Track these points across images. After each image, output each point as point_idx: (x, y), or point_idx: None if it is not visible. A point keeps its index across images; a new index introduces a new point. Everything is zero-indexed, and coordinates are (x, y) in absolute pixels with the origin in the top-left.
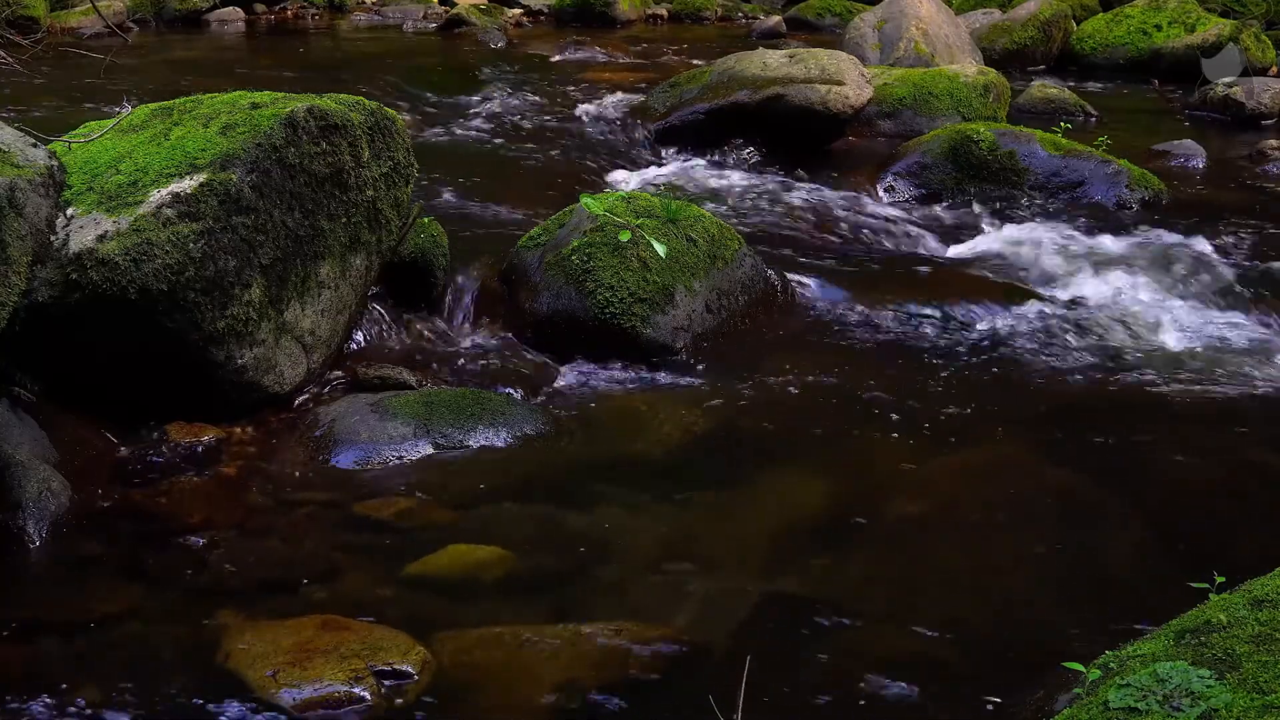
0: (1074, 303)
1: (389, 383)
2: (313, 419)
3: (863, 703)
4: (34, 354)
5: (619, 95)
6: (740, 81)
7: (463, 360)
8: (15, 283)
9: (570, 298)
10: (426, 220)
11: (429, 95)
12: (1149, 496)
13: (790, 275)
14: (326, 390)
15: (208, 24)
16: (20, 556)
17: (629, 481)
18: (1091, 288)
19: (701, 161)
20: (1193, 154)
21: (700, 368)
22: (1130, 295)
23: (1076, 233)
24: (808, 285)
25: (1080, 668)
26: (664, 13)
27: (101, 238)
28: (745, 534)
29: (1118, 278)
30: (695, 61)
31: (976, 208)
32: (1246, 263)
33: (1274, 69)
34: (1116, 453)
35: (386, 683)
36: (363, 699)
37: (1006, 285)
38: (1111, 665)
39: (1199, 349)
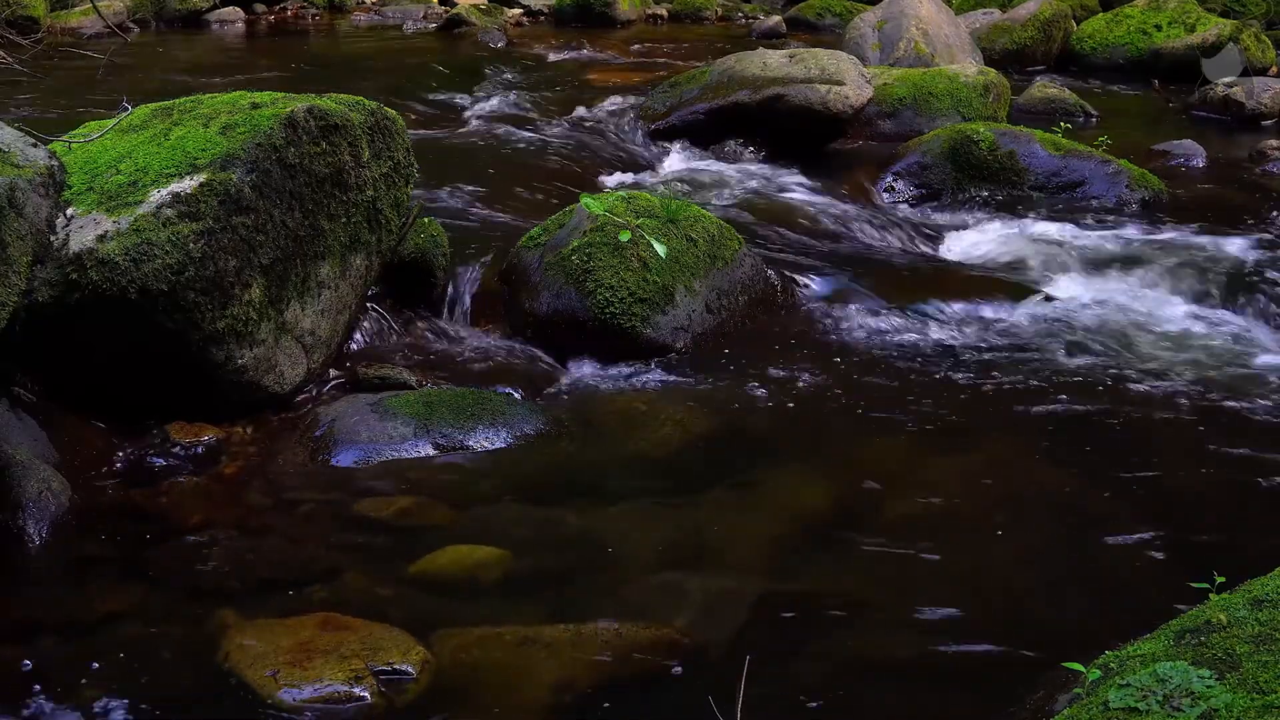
0: (1074, 302)
1: (389, 383)
2: (313, 419)
3: (863, 703)
4: (34, 354)
5: (619, 95)
6: (740, 81)
7: (463, 360)
8: (15, 283)
9: (570, 298)
10: (426, 220)
11: (429, 95)
12: (1149, 496)
13: (790, 275)
14: (326, 390)
15: (208, 24)
16: (20, 556)
17: (629, 481)
18: (1091, 288)
19: (702, 161)
20: (1193, 154)
21: (700, 368)
22: (1130, 295)
23: (1076, 233)
24: (808, 285)
25: (1080, 668)
26: (664, 13)
27: (102, 238)
28: (745, 534)
29: (1118, 278)
30: (695, 61)
31: (976, 208)
32: (1247, 262)
33: (1274, 69)
34: (1116, 453)
35: (386, 683)
36: (363, 699)
37: (1006, 285)
38: (1111, 665)
39: (1199, 348)
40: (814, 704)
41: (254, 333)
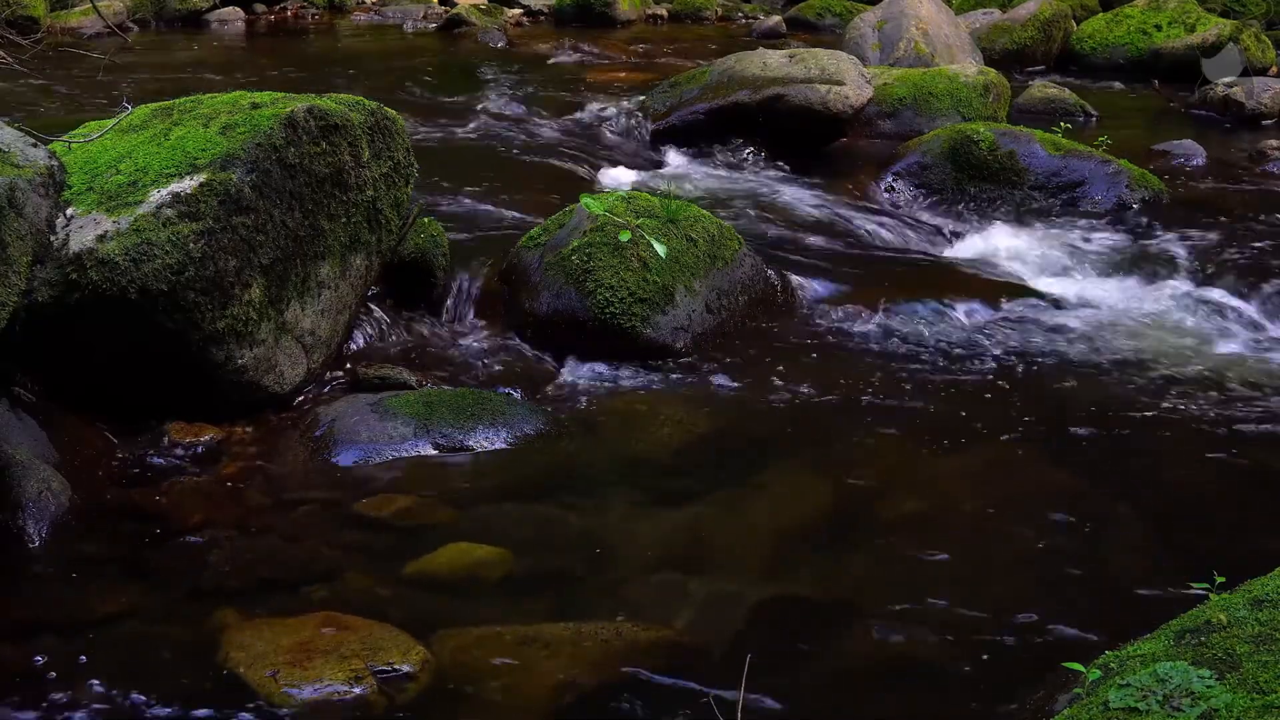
0: (1074, 302)
1: (389, 383)
2: (313, 419)
3: (863, 702)
4: (34, 354)
5: (619, 95)
6: (740, 81)
7: (463, 360)
8: (15, 283)
9: (570, 298)
10: (426, 220)
11: (429, 95)
12: (1149, 496)
13: (790, 275)
14: (326, 390)
15: (208, 24)
16: (20, 556)
17: (629, 482)
18: (1091, 288)
19: (701, 161)
20: (1193, 154)
21: (700, 368)
22: (1130, 295)
23: (1076, 233)
24: (808, 285)
25: (1080, 668)
26: (664, 13)
27: (101, 238)
28: (745, 534)
29: (1117, 277)
30: (695, 61)
31: (976, 208)
32: (1246, 263)
33: (1274, 69)
34: (1116, 453)
35: (386, 683)
36: (363, 699)
37: (1006, 285)
38: (1111, 665)
39: (1198, 348)
40: (814, 704)
41: (254, 333)
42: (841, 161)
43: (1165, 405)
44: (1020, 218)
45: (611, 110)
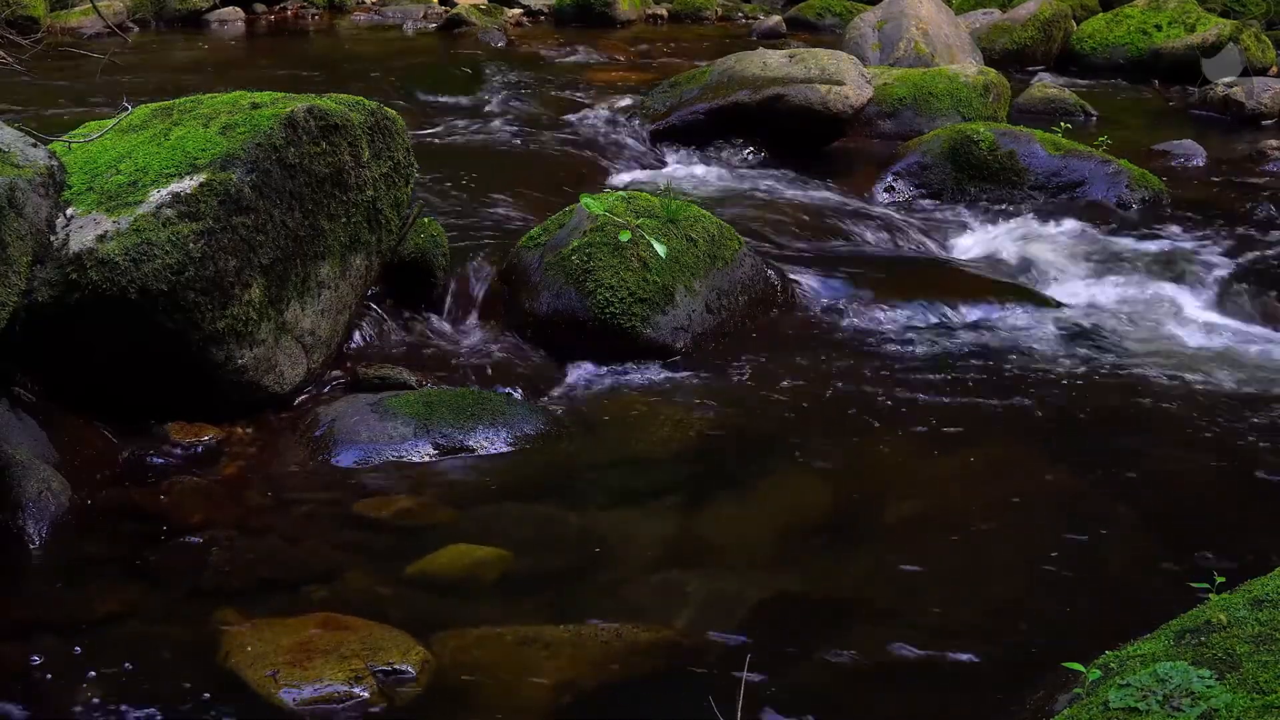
0: (1074, 303)
1: (389, 383)
2: (313, 419)
3: (863, 703)
4: (34, 354)
5: (619, 95)
6: (740, 81)
7: (463, 360)
8: (15, 283)
9: (570, 298)
10: (426, 220)
11: (429, 95)
12: (1149, 496)
13: (790, 275)
14: (326, 390)
15: (208, 24)
16: (20, 556)
17: (629, 481)
18: (1091, 288)
19: (701, 161)
20: (1193, 154)
21: (700, 368)
22: (1130, 295)
23: (1076, 233)
24: (808, 285)
25: (1080, 668)
26: (664, 13)
27: (101, 238)
28: (745, 534)
29: (1117, 278)
30: (695, 61)
31: (976, 208)
32: (1246, 262)
33: (1274, 69)
34: (1116, 453)
35: (386, 683)
36: (363, 699)
37: (1006, 285)
38: (1111, 665)
39: (1199, 349)
40: (814, 704)
41: (254, 333)
42: (841, 161)
43: (1165, 405)
44: (1020, 218)
45: (611, 110)
